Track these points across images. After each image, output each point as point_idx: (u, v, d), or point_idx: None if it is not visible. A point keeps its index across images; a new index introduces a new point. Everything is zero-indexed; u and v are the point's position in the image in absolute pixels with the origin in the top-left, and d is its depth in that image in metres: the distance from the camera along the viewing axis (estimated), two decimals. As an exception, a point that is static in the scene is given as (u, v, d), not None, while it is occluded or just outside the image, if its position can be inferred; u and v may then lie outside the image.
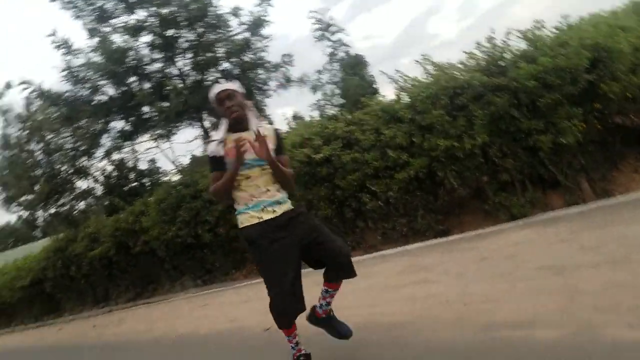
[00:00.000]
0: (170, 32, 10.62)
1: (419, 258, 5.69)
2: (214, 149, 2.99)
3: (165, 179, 17.06)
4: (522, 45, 6.67)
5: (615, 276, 3.08)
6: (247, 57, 11.01)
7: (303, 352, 3.21)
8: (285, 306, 2.96)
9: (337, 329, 3.26)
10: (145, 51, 10.90)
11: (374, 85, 24.00)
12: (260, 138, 2.92)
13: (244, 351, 4.56)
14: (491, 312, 3.19)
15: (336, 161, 7.48)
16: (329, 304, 3.25)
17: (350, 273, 3.08)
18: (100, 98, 11.45)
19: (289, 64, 11.70)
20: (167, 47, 10.56)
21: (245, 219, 3.00)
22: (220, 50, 10.89)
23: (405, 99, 7.28)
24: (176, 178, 13.80)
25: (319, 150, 7.65)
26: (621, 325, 2.49)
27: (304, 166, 7.59)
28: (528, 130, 6.25)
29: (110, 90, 11.36)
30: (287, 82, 11.55)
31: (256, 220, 2.95)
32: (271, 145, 3.00)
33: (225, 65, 11.17)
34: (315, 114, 16.09)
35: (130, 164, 16.80)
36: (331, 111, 13.26)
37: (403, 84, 7.43)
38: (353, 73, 19.47)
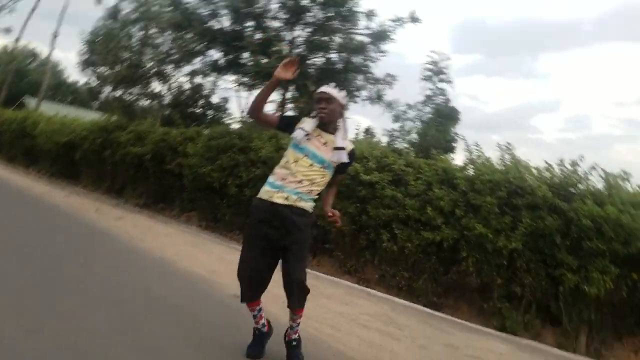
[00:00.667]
0: (305, 1, 10.94)
1: (398, 314, 5.76)
2: (300, 137, 3.18)
3: (227, 120, 17.59)
4: (600, 185, 6.63)
5: None
6: (356, 59, 11.22)
7: (261, 323, 3.38)
8: (242, 279, 3.25)
9: (290, 357, 3.36)
10: (274, 5, 11.29)
11: (453, 144, 23.96)
12: None
13: (209, 303, 4.75)
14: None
15: (378, 190, 7.60)
16: (292, 327, 3.36)
17: (293, 302, 3.21)
18: (213, 24, 11.89)
19: (388, 84, 11.86)
20: (294, 13, 10.89)
21: (261, 191, 3.26)
22: (336, 41, 11.14)
23: (470, 172, 7.33)
24: (236, 126, 14.19)
25: (369, 172, 7.79)
26: None
27: (348, 179, 7.74)
28: (560, 261, 6.21)
29: (225, 22, 11.79)
30: (377, 99, 11.71)
31: (266, 197, 3.19)
32: (335, 158, 3.22)
33: (333, 56, 11.41)
34: (385, 139, 16.24)
35: (206, 91, 17.39)
36: (400, 145, 13.36)
37: (475, 157, 7.48)
38: (440, 122, 19.44)
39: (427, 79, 13.43)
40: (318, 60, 11.74)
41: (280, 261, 3.27)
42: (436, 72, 12.65)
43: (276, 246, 3.18)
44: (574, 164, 6.70)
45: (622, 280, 6.16)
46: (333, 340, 4.18)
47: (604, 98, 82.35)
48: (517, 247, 6.29)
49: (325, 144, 3.21)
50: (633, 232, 5.91)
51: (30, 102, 36.10)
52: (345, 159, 3.23)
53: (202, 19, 11.86)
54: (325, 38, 10.98)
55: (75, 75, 69.71)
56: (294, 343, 3.37)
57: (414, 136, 14.74)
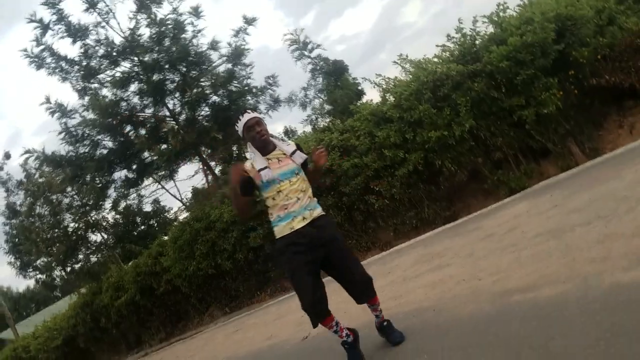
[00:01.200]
0: (155, 77, 10.98)
1: (431, 247, 5.99)
2: (269, 175, 3.24)
3: (171, 215, 17.50)
4: (490, 29, 7.02)
5: (606, 229, 3.38)
6: (233, 86, 11.37)
7: (344, 334, 3.45)
8: (311, 310, 3.31)
9: (389, 337, 3.51)
10: (135, 99, 11.30)
11: (359, 88, 24.45)
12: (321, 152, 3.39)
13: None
14: (502, 281, 3.49)
15: (337, 170, 7.80)
16: (377, 316, 3.54)
17: (368, 295, 3.39)
18: (101, 152, 11.82)
19: (274, 85, 12.08)
20: (156, 92, 10.92)
21: (279, 230, 3.30)
22: (207, 85, 11.27)
23: (391, 99, 7.61)
24: (184, 215, 14.16)
25: (318, 162, 7.97)
26: (617, 271, 2.79)
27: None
28: (510, 108, 6.58)
29: (109, 143, 11.74)
30: (275, 103, 11.91)
31: (289, 231, 3.25)
32: (300, 159, 3.35)
33: (214, 98, 11.54)
34: (308, 129, 16.48)
35: (135, 208, 17.25)
36: (323, 123, 13.62)
37: (386, 85, 7.77)
38: (335, 80, 19.75)
39: (300, 58, 13.68)
40: (204, 112, 11.85)
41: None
42: (302, 47, 12.86)
43: (317, 262, 3.29)
44: (458, 29, 7.06)
45: (565, 83, 6.59)
46: (403, 306, 4.32)
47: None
48: (472, 125, 6.61)
49: (279, 160, 3.33)
50: (542, 43, 6.30)
51: None
52: (304, 155, 3.39)
53: (88, 156, 11.75)
54: (196, 90, 11.07)
55: (21, 283, 67.22)
56: (385, 324, 3.54)
57: (328, 108, 14.93)
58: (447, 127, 6.77)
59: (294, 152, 3.35)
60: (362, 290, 3.35)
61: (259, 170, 3.24)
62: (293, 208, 3.27)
